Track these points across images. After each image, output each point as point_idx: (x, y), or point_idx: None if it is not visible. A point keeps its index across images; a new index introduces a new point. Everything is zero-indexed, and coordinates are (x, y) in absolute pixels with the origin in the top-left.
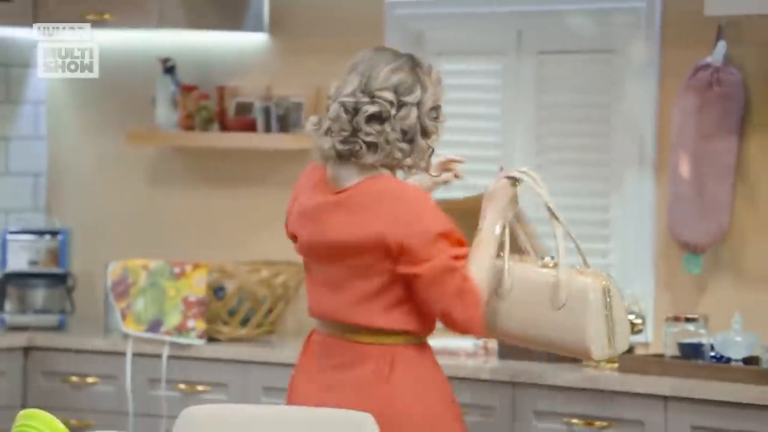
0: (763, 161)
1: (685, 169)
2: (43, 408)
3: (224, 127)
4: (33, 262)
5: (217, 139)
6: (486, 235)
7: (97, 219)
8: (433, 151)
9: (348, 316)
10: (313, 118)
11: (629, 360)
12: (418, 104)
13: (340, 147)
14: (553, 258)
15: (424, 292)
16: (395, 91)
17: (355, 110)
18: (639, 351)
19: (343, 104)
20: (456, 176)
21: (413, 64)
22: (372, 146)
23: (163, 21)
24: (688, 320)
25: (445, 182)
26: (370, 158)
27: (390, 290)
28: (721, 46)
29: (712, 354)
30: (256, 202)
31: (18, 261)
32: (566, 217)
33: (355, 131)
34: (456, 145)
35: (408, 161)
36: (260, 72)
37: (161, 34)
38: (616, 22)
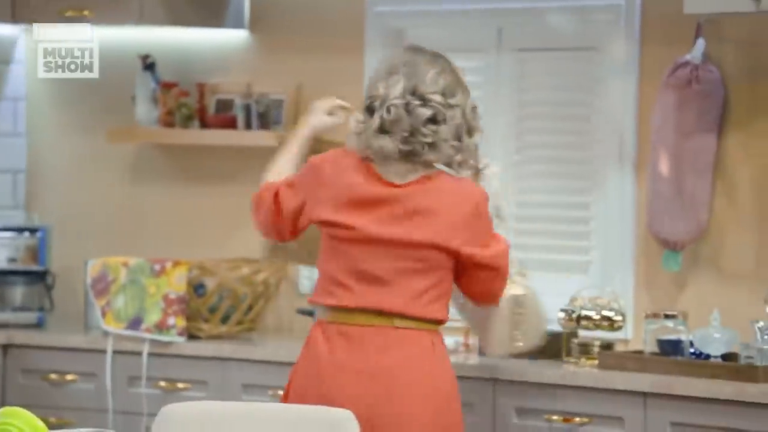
0: (742, 158)
1: (664, 166)
2: (22, 406)
3: (204, 124)
4: (12, 260)
5: (197, 136)
6: None
7: (77, 216)
8: (477, 147)
9: (398, 307)
10: (359, 116)
11: (609, 357)
12: (461, 105)
13: (401, 146)
14: None
15: (493, 281)
16: (443, 93)
17: (407, 111)
18: (618, 348)
19: (395, 106)
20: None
21: (451, 65)
22: (432, 146)
23: (143, 18)
24: (667, 317)
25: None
26: (431, 156)
27: (442, 283)
28: (700, 44)
29: (692, 350)
30: (237, 200)
31: None
32: (546, 215)
33: (413, 132)
34: None
35: (459, 158)
36: (241, 69)
37: (141, 31)
38: (596, 20)
